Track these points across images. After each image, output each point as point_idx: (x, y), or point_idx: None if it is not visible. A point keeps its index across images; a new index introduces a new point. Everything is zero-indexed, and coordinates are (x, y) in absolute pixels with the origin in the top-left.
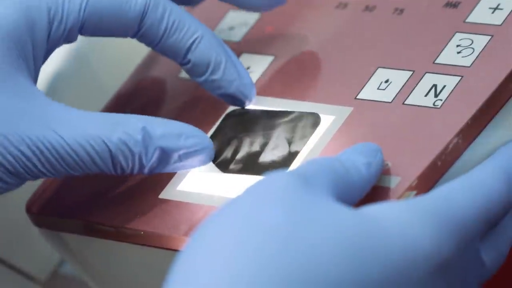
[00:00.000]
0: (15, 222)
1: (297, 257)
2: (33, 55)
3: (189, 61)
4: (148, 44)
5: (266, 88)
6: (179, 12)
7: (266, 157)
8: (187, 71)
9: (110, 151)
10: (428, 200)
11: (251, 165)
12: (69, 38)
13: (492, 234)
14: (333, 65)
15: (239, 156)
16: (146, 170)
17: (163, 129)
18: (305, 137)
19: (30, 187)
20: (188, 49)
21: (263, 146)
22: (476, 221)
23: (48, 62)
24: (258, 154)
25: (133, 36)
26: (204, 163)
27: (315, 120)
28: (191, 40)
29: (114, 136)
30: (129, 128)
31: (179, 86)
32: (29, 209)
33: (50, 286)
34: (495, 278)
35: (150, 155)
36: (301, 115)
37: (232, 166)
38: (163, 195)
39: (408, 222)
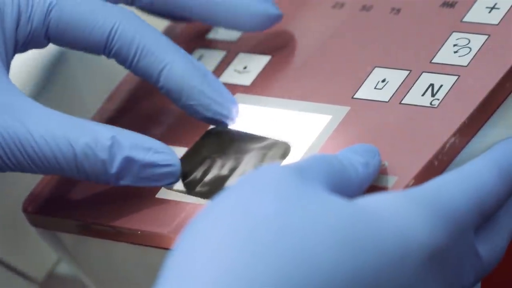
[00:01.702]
0: (12, 221)
1: (291, 247)
2: (4, 49)
3: (163, 87)
4: (122, 65)
5: (263, 87)
6: (150, 37)
7: (232, 183)
8: (165, 95)
9: (75, 153)
10: (422, 190)
11: (216, 190)
12: (35, 40)
13: (487, 227)
14: (330, 65)
15: (207, 178)
16: (111, 179)
17: (133, 140)
18: None
19: (27, 187)
20: (159, 75)
21: (232, 170)
22: (469, 212)
23: (31, 72)
24: (225, 178)
25: (106, 55)
26: (169, 181)
27: (284, 150)
28: (161, 66)
29: (81, 139)
30: (98, 134)
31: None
32: (25, 209)
33: (47, 286)
34: (497, 277)
35: (116, 164)
36: (274, 143)
37: (198, 188)
38: (160, 194)
39: (402, 211)
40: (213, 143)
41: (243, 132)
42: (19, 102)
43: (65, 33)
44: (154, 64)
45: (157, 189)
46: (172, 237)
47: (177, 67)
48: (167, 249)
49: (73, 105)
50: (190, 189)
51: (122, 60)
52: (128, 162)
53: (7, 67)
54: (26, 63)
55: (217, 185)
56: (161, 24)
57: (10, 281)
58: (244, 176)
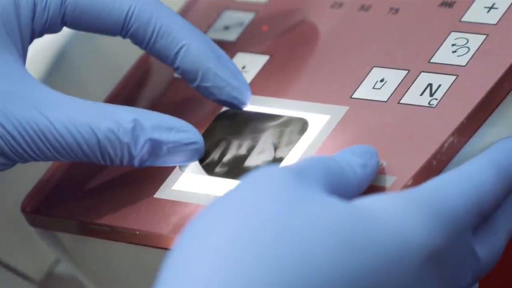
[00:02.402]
0: (10, 221)
1: (291, 249)
2: (20, 38)
3: (178, 67)
4: (138, 45)
5: (262, 87)
6: (167, 17)
7: (252, 161)
8: (180, 76)
9: (98, 139)
10: (420, 191)
11: (236, 169)
12: (52, 27)
13: (484, 227)
14: (328, 64)
15: (225, 159)
16: (135, 162)
17: (155, 121)
18: (291, 143)
19: (26, 187)
20: (176, 56)
21: (250, 150)
22: (467, 212)
23: (39, 61)
24: (244, 158)
25: (122, 36)
26: (193, 158)
27: (302, 126)
28: (177, 48)
29: (103, 125)
30: (119, 118)
31: (173, 85)
32: (24, 209)
33: (45, 286)
34: (494, 277)
35: (140, 146)
36: (290, 120)
37: (217, 169)
38: (158, 194)
39: (400, 213)
40: (226, 125)
41: (255, 112)
42: (37, 92)
43: (82, 17)
44: (171, 45)
45: (155, 189)
46: (171, 237)
47: (193, 48)
48: (165, 249)
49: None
50: (208, 170)
51: (139, 41)
52: (152, 143)
53: (24, 56)
54: (29, 57)
55: (236, 164)
56: (175, 7)
57: (9, 281)
58: (244, 178)
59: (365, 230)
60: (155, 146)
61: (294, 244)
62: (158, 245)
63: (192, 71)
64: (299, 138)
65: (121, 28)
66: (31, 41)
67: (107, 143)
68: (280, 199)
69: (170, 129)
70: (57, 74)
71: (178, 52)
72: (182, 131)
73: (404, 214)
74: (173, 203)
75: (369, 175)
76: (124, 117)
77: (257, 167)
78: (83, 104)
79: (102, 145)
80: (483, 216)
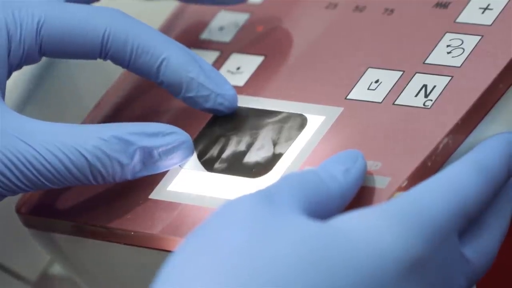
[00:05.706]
0: (5, 222)
1: (263, 273)
2: None
3: (162, 82)
4: (119, 65)
5: (256, 88)
6: (144, 34)
7: (251, 157)
8: (166, 89)
9: (86, 159)
10: (395, 204)
11: (235, 165)
12: (30, 59)
13: (474, 229)
14: (323, 65)
15: (224, 155)
16: (128, 175)
17: (139, 131)
18: (290, 139)
19: None
20: (157, 71)
21: (249, 146)
22: (449, 216)
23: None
24: (243, 154)
25: (102, 58)
26: (185, 158)
27: (301, 122)
28: (158, 63)
29: (89, 144)
30: (104, 135)
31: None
32: (19, 210)
33: (40, 286)
34: (493, 278)
35: (130, 159)
36: (289, 116)
37: (217, 165)
38: (153, 195)
39: (375, 228)
40: (225, 122)
41: (254, 108)
42: (17, 123)
43: (58, 47)
44: (150, 62)
45: (150, 190)
46: (166, 238)
47: (173, 61)
48: (160, 250)
49: (70, 103)
50: (208, 167)
51: (119, 61)
52: (141, 152)
53: (2, 90)
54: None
55: (236, 160)
56: (156, 24)
57: (3, 281)
58: (214, 211)
59: (339, 249)
60: (145, 155)
61: (266, 267)
62: (153, 246)
63: (175, 84)
64: (298, 134)
65: (99, 52)
66: (8, 76)
67: (96, 161)
68: (250, 227)
69: (156, 135)
70: (49, 83)
71: (159, 67)
72: (168, 134)
73: (377, 228)
74: (168, 204)
75: (354, 180)
76: (108, 132)
77: (256, 163)
78: (66, 127)
79: (92, 164)
80: (468, 218)
